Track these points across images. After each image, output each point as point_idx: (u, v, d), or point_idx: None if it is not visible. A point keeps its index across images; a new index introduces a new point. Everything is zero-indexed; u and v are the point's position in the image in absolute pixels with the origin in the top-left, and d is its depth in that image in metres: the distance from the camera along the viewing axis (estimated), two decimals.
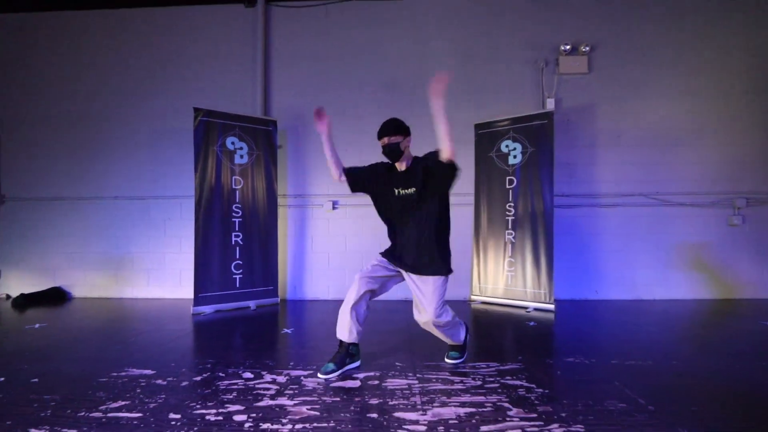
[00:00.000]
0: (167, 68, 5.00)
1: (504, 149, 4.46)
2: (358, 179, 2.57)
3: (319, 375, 2.29)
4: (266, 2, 4.89)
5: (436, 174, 2.29)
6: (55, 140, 5.04)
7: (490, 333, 3.38)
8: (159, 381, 2.24)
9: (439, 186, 2.33)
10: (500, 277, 4.43)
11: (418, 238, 2.36)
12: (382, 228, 3.96)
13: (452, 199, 4.55)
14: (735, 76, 4.68)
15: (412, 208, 2.37)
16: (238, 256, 4.29)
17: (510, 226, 4.38)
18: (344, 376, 2.30)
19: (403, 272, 2.44)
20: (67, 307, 4.50)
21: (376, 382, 2.22)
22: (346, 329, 2.38)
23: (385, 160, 2.48)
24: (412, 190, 2.36)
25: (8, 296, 5.03)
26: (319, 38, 4.92)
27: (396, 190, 2.42)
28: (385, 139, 2.38)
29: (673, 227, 4.66)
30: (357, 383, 2.20)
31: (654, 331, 3.32)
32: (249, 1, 4.90)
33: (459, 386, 2.15)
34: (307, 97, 4.90)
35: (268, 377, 2.29)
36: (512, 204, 4.38)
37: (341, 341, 2.39)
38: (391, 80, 4.86)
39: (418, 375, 2.32)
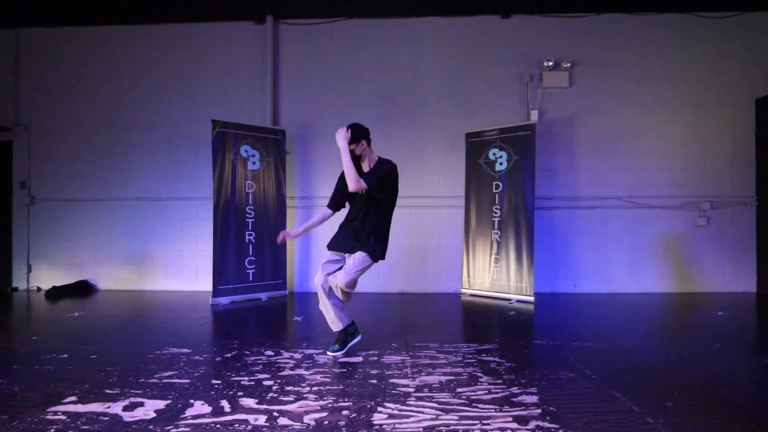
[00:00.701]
0: (183, 80, 5.44)
1: (492, 157, 4.93)
2: (338, 200, 2.96)
3: (327, 353, 2.78)
4: (275, 20, 5.33)
5: (378, 184, 2.74)
6: (81, 146, 5.49)
7: (475, 321, 3.88)
8: (197, 357, 2.72)
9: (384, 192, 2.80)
10: (487, 272, 4.91)
11: (363, 227, 2.80)
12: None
13: (444, 201, 5.06)
14: (702, 90, 5.14)
15: (365, 204, 2.81)
16: (251, 253, 4.77)
17: (496, 226, 4.86)
18: (349, 353, 2.78)
19: (346, 255, 2.83)
20: (95, 298, 4.98)
21: (376, 358, 2.71)
22: (336, 321, 2.82)
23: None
24: (381, 192, 2.79)
25: (39, 288, 5.51)
26: (324, 54, 5.37)
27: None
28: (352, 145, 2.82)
29: (645, 227, 5.15)
30: (359, 359, 2.69)
31: (618, 320, 3.81)
32: (259, 19, 5.34)
33: (443, 361, 2.64)
34: (312, 108, 5.35)
35: (286, 355, 2.78)
36: (498, 206, 4.86)
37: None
38: (389, 93, 5.32)
39: (410, 353, 2.80)
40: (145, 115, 5.46)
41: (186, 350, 2.87)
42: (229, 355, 2.77)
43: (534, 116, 5.09)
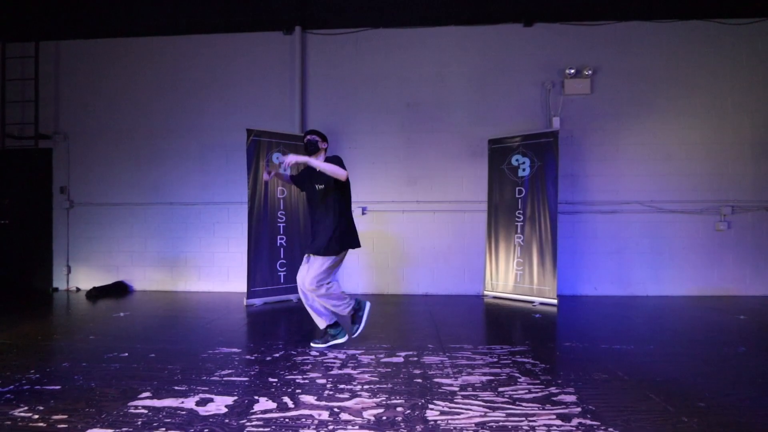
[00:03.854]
0: (215, 89, 5.66)
1: (514, 163, 5.07)
2: (299, 181, 3.36)
3: (311, 344, 3.15)
4: (303, 30, 5.51)
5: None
6: (117, 152, 5.74)
7: (502, 323, 4.02)
8: (248, 356, 2.92)
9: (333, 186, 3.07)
10: (510, 275, 5.05)
11: (320, 225, 3.08)
12: (405, 230, 4.69)
13: (467, 206, 5.21)
14: (723, 95, 5.22)
15: (320, 201, 3.10)
16: (282, 256, 4.96)
17: (519, 231, 5.00)
18: (390, 354, 2.96)
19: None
20: (132, 298, 5.22)
21: (416, 358, 2.88)
22: (317, 319, 3.17)
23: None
24: (321, 186, 3.09)
25: (78, 289, 5.77)
26: (349, 62, 5.54)
27: (315, 186, 3.13)
28: (308, 136, 3.17)
29: (665, 231, 5.25)
30: (401, 359, 2.86)
31: (641, 323, 3.94)
32: (288, 29, 5.53)
33: (480, 362, 2.80)
34: (339, 114, 5.53)
35: (330, 355, 2.96)
36: (521, 211, 5.00)
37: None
38: (413, 101, 5.47)
39: (447, 354, 2.97)
40: (179, 123, 5.68)
41: (236, 349, 3.07)
42: (277, 354, 2.96)
43: (556, 123, 5.21)
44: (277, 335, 3.51)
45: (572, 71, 5.21)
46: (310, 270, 3.02)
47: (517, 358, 2.87)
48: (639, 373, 2.59)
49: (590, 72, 5.22)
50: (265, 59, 5.63)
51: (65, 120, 5.83)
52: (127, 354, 2.99)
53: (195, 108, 5.68)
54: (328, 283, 3.05)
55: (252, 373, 2.60)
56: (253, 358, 2.89)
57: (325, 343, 3.15)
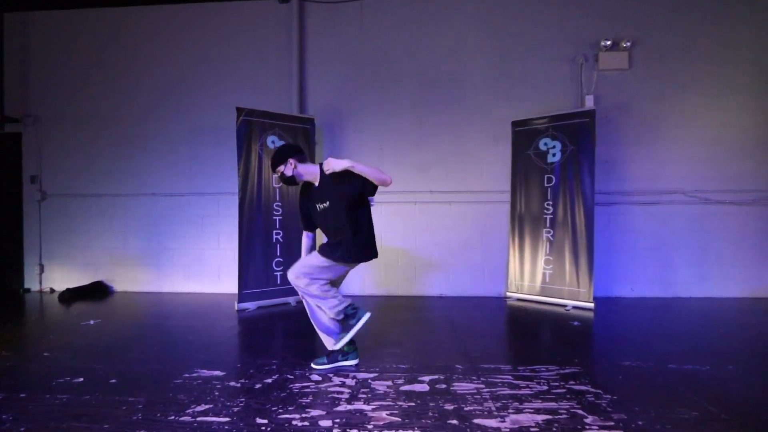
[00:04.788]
0: (202, 65, 5.02)
1: (543, 147, 4.44)
2: (308, 221, 2.73)
3: (312, 365, 2.55)
4: None
5: (355, 183, 2.45)
6: (95, 137, 5.12)
7: (537, 332, 3.42)
8: (233, 383, 2.32)
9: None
10: (537, 274, 4.45)
11: (351, 235, 2.52)
12: (417, 224, 4.05)
13: (488, 196, 4.59)
14: None
15: (334, 213, 2.52)
16: (278, 254, 4.36)
17: (548, 224, 4.39)
18: (411, 380, 2.36)
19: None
20: (111, 301, 4.63)
21: (444, 385, 2.28)
22: (325, 338, 2.62)
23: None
24: (326, 204, 2.53)
25: (52, 290, 5.18)
26: (353, 35, 4.89)
27: (317, 206, 2.58)
28: (279, 169, 2.57)
29: (712, 225, 4.64)
30: (425, 387, 2.26)
31: (702, 332, 3.33)
32: None
33: (527, 391, 2.20)
34: (342, 94, 4.90)
35: (336, 380, 2.36)
36: (551, 202, 4.38)
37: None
38: (426, 76, 4.84)
39: (482, 378, 2.37)
40: (164, 104, 5.05)
41: (218, 373, 2.47)
42: (269, 380, 2.36)
43: (589, 102, 4.57)
44: (271, 350, 2.91)
45: (608, 43, 4.56)
46: (304, 259, 2.61)
47: (572, 385, 2.27)
48: (737, 408, 1.99)
49: (628, 44, 4.57)
50: (258, 32, 4.98)
51: (36, 101, 5.20)
52: (82, 379, 2.39)
53: (181, 87, 5.04)
54: (315, 280, 2.51)
55: (235, 409, 2.00)
56: (239, 385, 2.30)
57: (333, 362, 2.58)
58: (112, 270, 5.15)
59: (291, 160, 2.53)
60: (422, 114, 4.85)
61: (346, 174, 2.40)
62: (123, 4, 5.03)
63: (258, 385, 2.29)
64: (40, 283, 5.23)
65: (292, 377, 2.40)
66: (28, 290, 5.23)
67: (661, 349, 2.89)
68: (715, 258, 4.64)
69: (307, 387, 2.27)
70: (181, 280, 5.08)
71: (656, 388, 2.24)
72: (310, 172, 2.59)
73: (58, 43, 5.17)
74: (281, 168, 2.55)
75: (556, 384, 2.29)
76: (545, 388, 2.24)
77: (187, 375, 2.44)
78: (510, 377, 2.39)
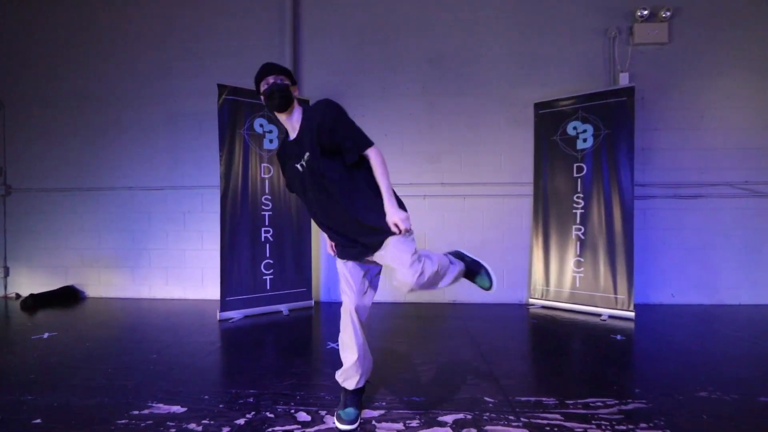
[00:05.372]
0: (184, 46, 4.46)
1: (571, 132, 3.87)
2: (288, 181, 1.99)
3: (339, 426, 1.73)
4: None
5: (337, 140, 1.69)
6: (64, 125, 4.57)
7: (577, 350, 2.84)
8: (192, 425, 1.75)
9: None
10: (566, 278, 3.87)
11: (339, 211, 1.73)
12: (427, 221, 3.48)
13: (507, 189, 4.03)
14: None
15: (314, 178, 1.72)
16: (268, 255, 3.79)
17: (579, 221, 3.81)
18: (429, 421, 1.78)
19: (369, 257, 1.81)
20: (79, 309, 4.07)
21: (473, 430, 1.70)
22: (355, 375, 1.87)
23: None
24: (303, 164, 1.74)
25: (18, 296, 4.63)
26: (354, 7, 4.32)
27: (294, 165, 1.79)
28: (270, 78, 1.74)
29: (764, 222, 4.04)
30: (449, 431, 1.69)
31: None
32: None
33: None
34: (341, 75, 4.33)
35: (329, 421, 1.79)
36: (581, 195, 3.80)
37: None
38: (437, 54, 4.26)
39: (522, 419, 1.79)
40: (140, 86, 4.49)
41: (177, 409, 1.90)
42: (241, 420, 1.79)
43: (624, 80, 4.00)
44: (251, 374, 2.34)
45: (644, 13, 3.98)
46: (400, 257, 1.66)
47: (644, 430, 1.69)
48: None
49: (668, 14, 3.99)
50: (248, 6, 4.42)
51: (1, 86, 4.65)
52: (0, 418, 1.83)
53: (159, 67, 4.48)
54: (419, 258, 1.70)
55: None
56: (199, 428, 1.73)
57: (486, 275, 2.07)
58: (84, 272, 4.59)
59: (296, 87, 1.82)
60: (432, 96, 4.28)
61: (335, 123, 1.67)
62: None
63: (225, 429, 1.72)
64: (5, 287, 4.68)
65: (272, 416, 1.83)
66: None
67: (738, 374, 2.30)
68: (766, 260, 4.05)
69: (292, 431, 1.70)
70: (160, 284, 4.52)
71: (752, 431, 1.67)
72: (295, 114, 1.80)
73: (25, 22, 4.62)
74: (286, 82, 1.74)
75: (622, 427, 1.72)
76: None
77: (136, 412, 1.87)
78: (559, 416, 1.81)
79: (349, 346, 1.83)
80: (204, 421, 1.78)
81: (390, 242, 1.69)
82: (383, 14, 4.30)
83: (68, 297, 4.48)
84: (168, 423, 1.77)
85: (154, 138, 4.47)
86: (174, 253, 4.48)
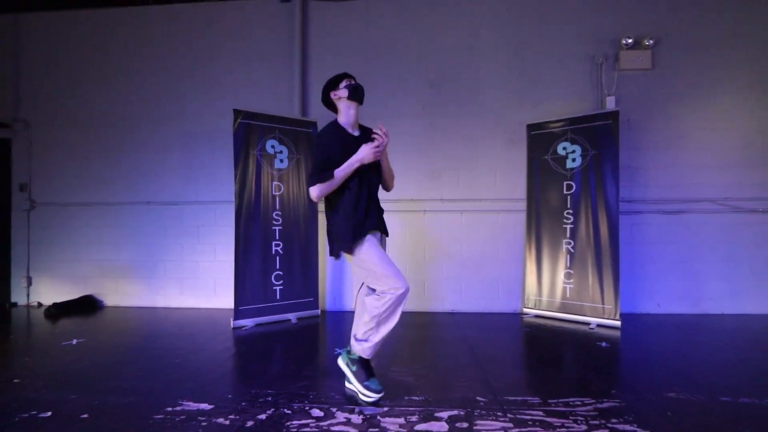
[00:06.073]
0: (199, 67, 4.78)
1: (561, 152, 4.15)
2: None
3: (372, 396, 2.17)
4: None
5: None
6: (85, 143, 4.88)
7: (564, 356, 3.09)
8: (221, 420, 2.00)
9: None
10: (557, 289, 4.12)
11: (376, 201, 2.37)
12: (427, 234, 3.79)
13: (502, 204, 4.32)
14: None
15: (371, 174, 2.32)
16: (278, 267, 4.06)
17: (568, 235, 4.08)
18: (427, 416, 2.04)
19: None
20: (100, 317, 4.33)
21: (465, 424, 1.96)
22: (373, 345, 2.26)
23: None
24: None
25: (40, 304, 4.90)
26: (359, 34, 4.65)
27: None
28: (352, 80, 2.36)
29: (744, 235, 4.30)
30: (444, 426, 1.94)
31: (746, 356, 2.98)
32: None
33: (563, 431, 1.87)
34: None
35: (340, 416, 2.04)
36: (571, 211, 4.07)
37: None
38: (436, 76, 4.57)
39: (509, 415, 2.04)
40: (157, 108, 4.81)
41: (206, 406, 2.16)
42: (263, 416, 2.04)
43: (610, 103, 4.29)
44: (267, 377, 2.59)
45: (629, 41, 4.29)
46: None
47: (616, 425, 1.94)
48: None
49: (651, 42, 4.29)
50: (260, 32, 4.74)
51: (26, 106, 4.97)
52: (50, 413, 2.08)
53: (176, 91, 4.80)
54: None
55: None
56: (227, 422, 1.98)
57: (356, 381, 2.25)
58: (102, 283, 4.86)
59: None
60: (432, 117, 4.58)
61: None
62: (115, 5, 4.82)
63: (250, 423, 1.97)
64: (28, 296, 4.95)
65: (289, 412, 2.09)
66: (15, 304, 4.95)
67: (708, 378, 2.55)
68: (748, 271, 4.30)
69: (306, 426, 1.95)
70: (175, 293, 4.78)
71: (716, 428, 1.91)
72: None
73: (49, 45, 4.95)
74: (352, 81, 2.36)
75: (596, 423, 1.97)
76: (584, 428, 1.92)
77: (169, 409, 2.12)
78: (541, 413, 2.06)
79: (392, 321, 2.18)
80: (230, 417, 2.04)
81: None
82: (386, 40, 4.61)
83: (87, 306, 4.75)
84: (199, 417, 2.03)
85: (170, 156, 4.77)
86: (188, 265, 4.75)
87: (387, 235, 2.44)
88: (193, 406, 2.16)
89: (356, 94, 2.29)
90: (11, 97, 4.98)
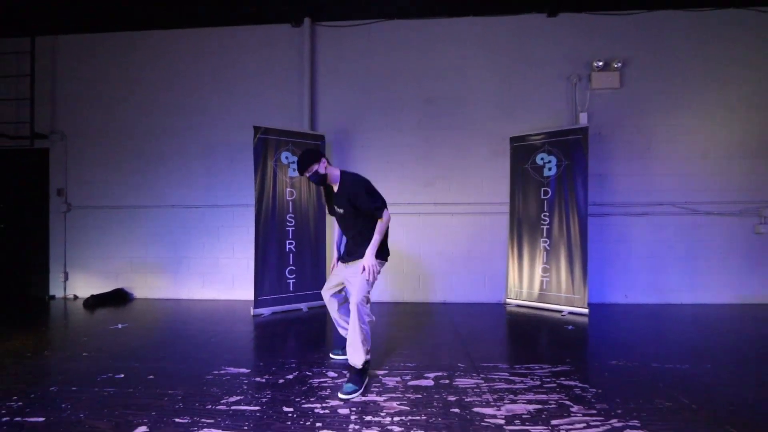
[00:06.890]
0: (219, 85, 5.35)
1: (539, 161, 4.73)
2: (329, 210, 2.93)
3: (340, 395, 2.32)
4: (312, 22, 5.20)
5: (360, 208, 2.59)
6: (117, 152, 5.44)
7: (534, 336, 3.68)
8: (258, 379, 2.59)
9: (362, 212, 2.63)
10: (535, 282, 4.71)
11: (353, 237, 2.75)
12: (422, 234, 4.37)
13: (488, 207, 4.88)
14: (762, 89, 4.86)
15: (346, 219, 2.72)
16: (291, 262, 4.64)
17: (545, 234, 4.66)
18: (417, 376, 2.62)
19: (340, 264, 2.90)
20: (132, 307, 4.91)
21: (447, 381, 2.54)
22: (359, 350, 2.52)
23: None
24: (342, 210, 2.69)
25: (76, 297, 5.47)
26: (362, 56, 5.22)
27: (335, 207, 2.75)
28: (314, 167, 2.60)
29: (701, 235, 4.89)
30: (430, 382, 2.53)
31: (687, 336, 3.58)
32: (296, 22, 5.22)
33: (521, 386, 2.46)
34: (350, 112, 5.21)
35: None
36: (547, 213, 4.66)
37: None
38: (431, 95, 5.15)
39: (482, 375, 2.63)
40: (181, 121, 5.38)
41: (244, 370, 2.75)
42: (290, 376, 2.64)
43: (583, 119, 4.87)
44: (288, 351, 3.18)
45: (600, 64, 4.87)
46: (358, 280, 2.56)
47: (563, 381, 2.53)
48: (706, 399, 2.25)
49: (619, 65, 4.88)
50: (272, 54, 5.32)
51: (63, 119, 5.54)
52: (123, 375, 2.67)
53: (198, 105, 5.37)
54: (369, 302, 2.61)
55: (263, 400, 2.28)
56: (263, 380, 2.57)
57: (361, 384, 2.44)
58: (132, 277, 5.44)
59: (323, 160, 2.62)
60: (427, 130, 5.16)
61: (357, 198, 2.54)
62: (143, 28, 5.39)
63: (281, 380, 2.56)
64: (65, 290, 5.53)
65: (310, 374, 2.67)
66: (53, 297, 5.53)
67: (647, 351, 3.14)
68: (704, 266, 4.90)
69: (325, 382, 2.54)
70: (197, 287, 5.37)
71: (638, 383, 2.50)
72: (334, 176, 2.67)
73: (84, 64, 5.52)
74: (315, 167, 2.58)
75: (548, 380, 2.55)
76: (538, 383, 2.51)
77: (216, 372, 2.71)
78: (506, 374, 2.66)
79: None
80: (265, 377, 2.63)
81: (360, 274, 2.57)
82: (386, 62, 5.19)
83: (119, 298, 5.32)
84: (241, 377, 2.61)
85: (194, 165, 5.34)
86: (209, 261, 5.34)
87: None
88: (233, 370, 2.75)
89: (315, 184, 2.74)
90: (49, 111, 5.54)
